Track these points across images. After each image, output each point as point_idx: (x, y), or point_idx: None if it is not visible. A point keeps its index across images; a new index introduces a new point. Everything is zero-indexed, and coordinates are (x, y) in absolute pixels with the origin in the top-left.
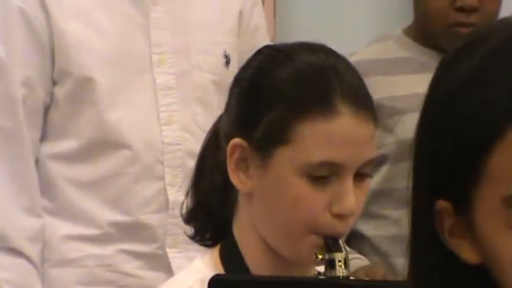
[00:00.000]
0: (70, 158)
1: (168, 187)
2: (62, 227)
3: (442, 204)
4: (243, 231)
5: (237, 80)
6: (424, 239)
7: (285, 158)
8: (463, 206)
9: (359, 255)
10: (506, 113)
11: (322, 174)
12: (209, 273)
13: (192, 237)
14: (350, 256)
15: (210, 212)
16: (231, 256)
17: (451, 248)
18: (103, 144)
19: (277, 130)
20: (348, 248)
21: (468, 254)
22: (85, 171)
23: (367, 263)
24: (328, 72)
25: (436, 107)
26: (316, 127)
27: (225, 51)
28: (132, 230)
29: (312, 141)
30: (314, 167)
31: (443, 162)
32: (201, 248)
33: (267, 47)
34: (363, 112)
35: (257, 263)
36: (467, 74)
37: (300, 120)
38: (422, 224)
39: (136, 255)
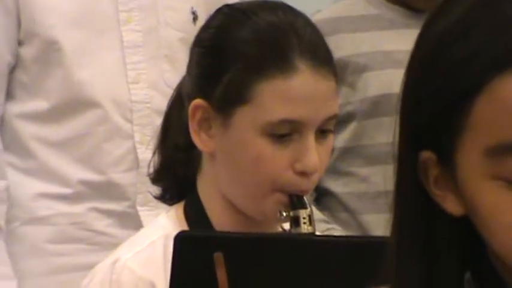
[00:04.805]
0: (40, 117)
1: (137, 145)
2: (33, 185)
3: (426, 154)
4: (206, 190)
5: (197, 40)
6: (408, 190)
7: (246, 118)
8: (447, 156)
9: (335, 226)
10: (489, 64)
11: (283, 132)
12: (173, 230)
13: (159, 197)
14: (327, 226)
15: (175, 172)
16: (195, 213)
17: (436, 199)
18: (72, 104)
19: (236, 90)
20: (323, 217)
21: (452, 206)
22: (55, 130)
23: (343, 233)
24: (286, 30)
25: (421, 57)
26: (274, 85)
27: (192, 8)
28: (103, 189)
29: (271, 100)
30: (274, 126)
31: (427, 112)
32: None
33: (226, 6)
34: (322, 68)
35: (221, 221)
36: (452, 25)
37: (258, 79)
38: (407, 174)
39: (108, 213)
